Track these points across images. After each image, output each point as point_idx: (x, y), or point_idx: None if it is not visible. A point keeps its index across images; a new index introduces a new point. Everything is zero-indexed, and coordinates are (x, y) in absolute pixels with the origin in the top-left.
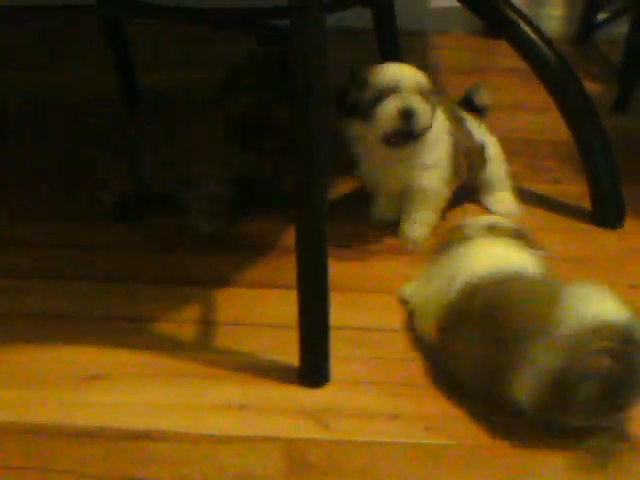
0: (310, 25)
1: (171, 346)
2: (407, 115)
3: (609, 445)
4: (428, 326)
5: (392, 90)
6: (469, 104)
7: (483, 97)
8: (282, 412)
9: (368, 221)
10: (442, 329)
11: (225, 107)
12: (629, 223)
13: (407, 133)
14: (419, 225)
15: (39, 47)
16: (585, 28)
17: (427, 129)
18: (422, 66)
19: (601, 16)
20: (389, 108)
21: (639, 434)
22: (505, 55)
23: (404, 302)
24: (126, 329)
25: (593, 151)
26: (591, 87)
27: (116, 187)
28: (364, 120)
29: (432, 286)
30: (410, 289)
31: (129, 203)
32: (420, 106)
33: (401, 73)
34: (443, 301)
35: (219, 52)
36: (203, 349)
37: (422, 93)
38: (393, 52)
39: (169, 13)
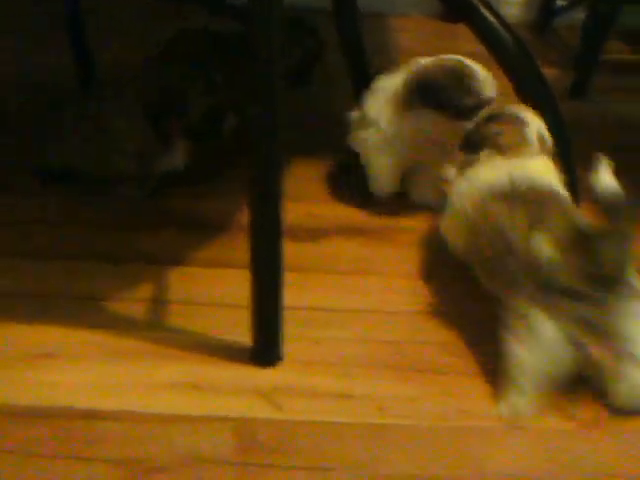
0: (268, 5)
1: (123, 325)
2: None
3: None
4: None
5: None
6: None
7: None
8: (233, 391)
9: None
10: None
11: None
12: (583, 209)
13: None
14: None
15: None
16: (544, 14)
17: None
18: (382, 49)
19: (560, 2)
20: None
21: (585, 415)
22: (464, 39)
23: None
24: (77, 307)
25: (550, 136)
26: (549, 72)
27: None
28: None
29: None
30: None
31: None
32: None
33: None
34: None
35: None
36: (155, 328)
37: None
38: (352, 34)
39: None
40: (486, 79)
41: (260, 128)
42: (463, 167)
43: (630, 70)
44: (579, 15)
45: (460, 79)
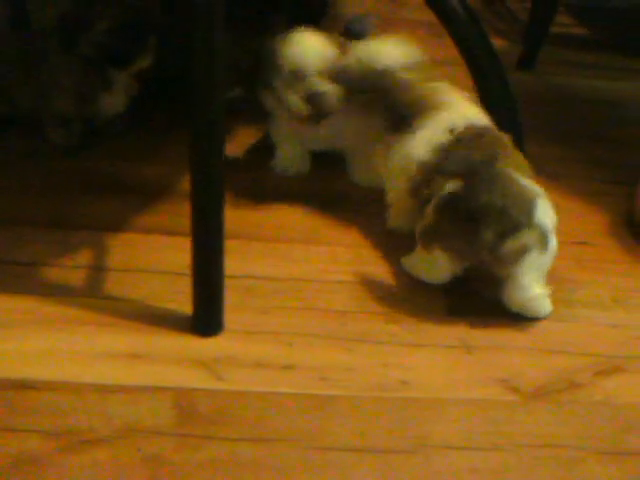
0: None
1: (59, 292)
2: (313, 100)
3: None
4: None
5: (297, 76)
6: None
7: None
8: (173, 361)
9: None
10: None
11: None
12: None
13: (316, 115)
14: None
15: None
16: None
17: (335, 109)
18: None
19: None
20: (294, 99)
21: (527, 386)
22: (413, 7)
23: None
24: (9, 274)
25: (498, 106)
26: (498, 44)
27: None
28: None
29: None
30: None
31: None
32: (325, 88)
33: (310, 51)
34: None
35: None
36: (92, 295)
37: (329, 72)
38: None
39: None
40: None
41: (199, 86)
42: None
43: (576, 44)
44: None
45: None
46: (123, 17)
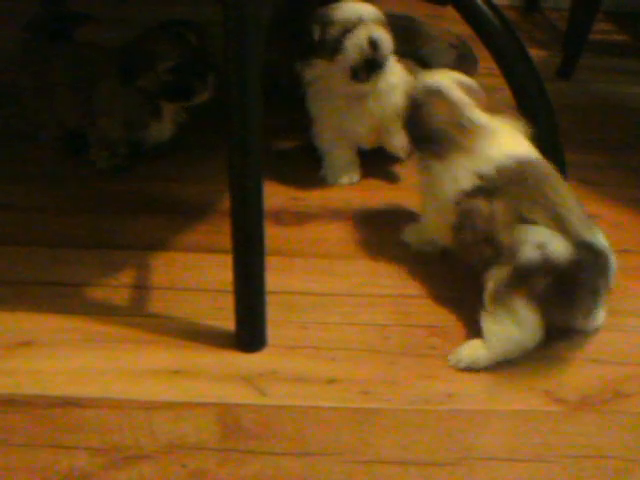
0: None
1: (103, 311)
2: (374, 43)
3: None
4: (447, 209)
5: (356, 23)
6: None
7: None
8: (217, 377)
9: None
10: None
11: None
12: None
13: (373, 62)
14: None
15: None
16: None
17: (389, 57)
18: None
19: None
20: (359, 38)
21: (571, 396)
22: (453, 21)
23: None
24: (56, 294)
25: (536, 116)
26: (537, 54)
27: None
28: (331, 56)
29: (449, 178)
30: (414, 234)
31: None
32: (384, 35)
33: (362, 8)
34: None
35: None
36: (136, 314)
37: (383, 25)
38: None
39: None
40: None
41: (236, 106)
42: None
43: (616, 51)
44: None
45: (317, 15)
46: (186, 56)
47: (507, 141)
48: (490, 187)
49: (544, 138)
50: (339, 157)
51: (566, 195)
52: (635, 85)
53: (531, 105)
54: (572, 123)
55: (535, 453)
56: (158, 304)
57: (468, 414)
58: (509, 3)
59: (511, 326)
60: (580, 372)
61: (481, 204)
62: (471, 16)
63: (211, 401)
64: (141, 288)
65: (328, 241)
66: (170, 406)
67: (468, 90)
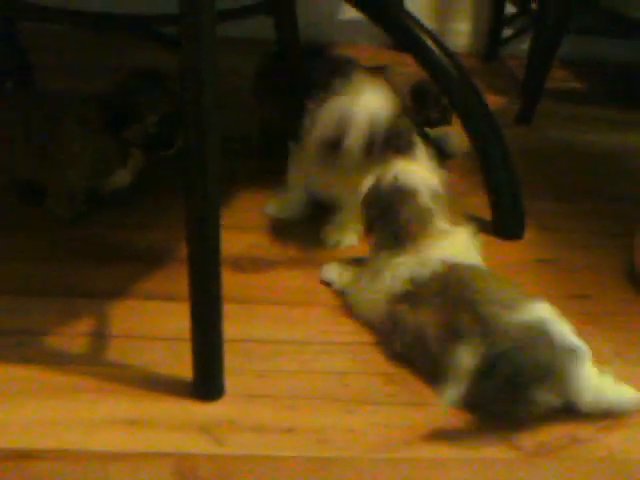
0: (201, 32)
1: (59, 360)
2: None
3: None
4: (379, 307)
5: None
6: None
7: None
8: (174, 427)
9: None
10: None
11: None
12: (529, 234)
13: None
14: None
15: None
16: (492, 44)
17: None
18: None
19: (507, 33)
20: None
21: (528, 443)
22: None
23: (329, 283)
24: (12, 343)
25: (493, 163)
26: (497, 100)
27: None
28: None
29: (389, 274)
30: (336, 271)
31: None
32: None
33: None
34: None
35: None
36: (93, 363)
37: None
38: (295, 62)
39: (58, 16)
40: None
41: (193, 155)
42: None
43: (573, 98)
44: (524, 45)
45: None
46: (170, 106)
47: (448, 247)
48: (417, 296)
49: (501, 184)
50: (293, 195)
51: (491, 291)
52: (591, 132)
53: (488, 150)
54: (530, 169)
55: None
56: (116, 353)
57: (426, 462)
58: (469, 51)
59: None
60: (537, 419)
61: (407, 314)
62: (428, 65)
63: (168, 451)
64: (99, 337)
65: (287, 288)
66: (127, 457)
67: (434, 194)
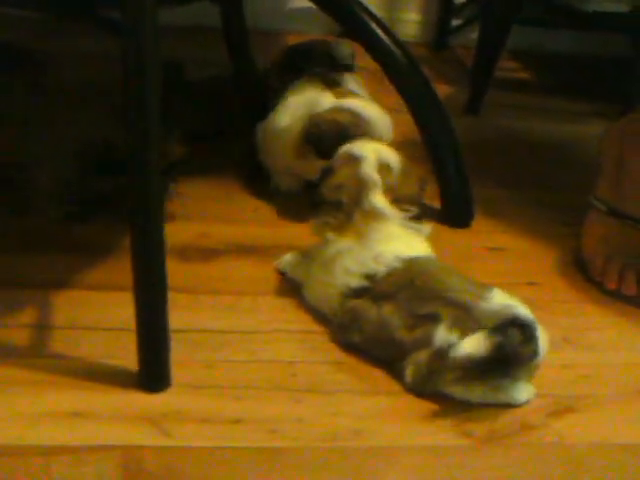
0: (142, 16)
1: (0, 352)
2: None
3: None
4: (333, 299)
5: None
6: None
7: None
8: (119, 419)
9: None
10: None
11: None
12: (477, 223)
13: None
14: None
15: None
16: (441, 33)
17: None
18: None
19: (456, 22)
20: None
21: (479, 430)
22: (361, 57)
23: (282, 273)
24: None
25: (442, 152)
26: (446, 90)
27: None
28: None
29: (340, 266)
30: (291, 263)
31: None
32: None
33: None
34: (355, 279)
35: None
36: (35, 355)
37: None
38: (242, 51)
39: None
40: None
41: (135, 144)
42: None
43: (521, 88)
44: (473, 35)
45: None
46: None
47: (398, 241)
48: (378, 292)
49: (450, 172)
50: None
51: (454, 281)
52: (539, 122)
53: (437, 139)
54: (479, 158)
55: None
56: (59, 344)
57: (376, 451)
58: (418, 40)
59: None
60: (487, 405)
61: (368, 309)
62: (377, 53)
63: (113, 444)
64: (40, 328)
65: (234, 278)
66: (70, 450)
67: (387, 171)
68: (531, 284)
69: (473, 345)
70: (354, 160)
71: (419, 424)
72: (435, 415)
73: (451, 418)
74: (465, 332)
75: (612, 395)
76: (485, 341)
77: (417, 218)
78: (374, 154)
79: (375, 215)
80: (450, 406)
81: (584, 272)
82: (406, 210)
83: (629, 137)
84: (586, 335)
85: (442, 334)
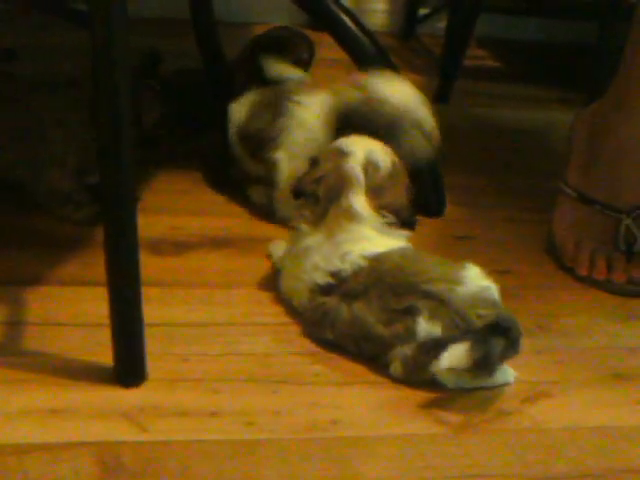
0: (111, 8)
1: None
2: None
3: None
4: (302, 294)
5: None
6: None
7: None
8: (95, 415)
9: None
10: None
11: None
12: (449, 211)
13: None
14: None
15: None
16: (408, 22)
17: None
18: None
19: (423, 11)
20: None
21: (454, 418)
22: (329, 47)
23: (270, 257)
24: None
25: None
26: (415, 78)
27: None
28: None
29: (313, 259)
30: (278, 250)
31: None
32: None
33: None
34: (322, 276)
35: None
36: (7, 352)
37: None
38: (210, 43)
39: None
40: None
41: (106, 138)
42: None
43: (489, 76)
44: (441, 24)
45: None
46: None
47: (369, 243)
48: (346, 290)
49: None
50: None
51: (428, 270)
52: (507, 109)
53: None
54: (450, 146)
55: (421, 476)
56: (32, 341)
57: (353, 441)
58: (386, 30)
59: None
60: (462, 393)
61: (339, 306)
62: (345, 42)
63: (89, 440)
64: (13, 325)
65: (208, 271)
66: (45, 448)
67: (374, 171)
68: (503, 272)
69: (456, 357)
70: (341, 154)
71: (395, 413)
72: (411, 404)
73: (427, 407)
74: (446, 324)
75: (585, 380)
76: (468, 353)
77: (397, 225)
78: (363, 152)
79: (350, 215)
80: (425, 395)
81: (555, 259)
82: (385, 217)
83: (598, 123)
84: (559, 321)
85: (424, 327)
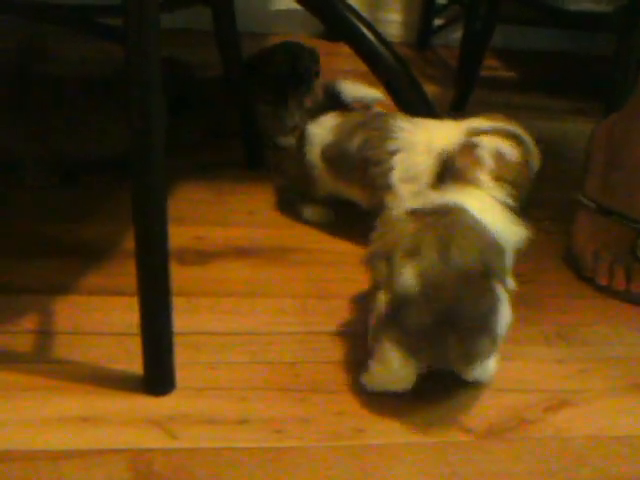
0: (145, 24)
1: (3, 359)
2: None
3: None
4: None
5: None
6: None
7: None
8: (126, 422)
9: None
10: None
11: None
12: None
13: None
14: None
15: None
16: (423, 33)
17: None
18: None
19: (438, 22)
20: None
21: (479, 426)
22: (346, 57)
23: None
24: None
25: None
26: (430, 89)
27: None
28: None
29: None
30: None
31: None
32: None
33: None
34: None
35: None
36: (40, 360)
37: None
38: (233, 54)
39: None
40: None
41: (139, 147)
42: None
43: (504, 86)
44: (456, 35)
45: None
46: None
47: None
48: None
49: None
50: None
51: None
52: (526, 120)
53: None
54: None
55: None
56: (62, 350)
57: (379, 449)
58: (401, 40)
59: (377, 364)
60: (486, 402)
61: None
62: (364, 53)
63: (121, 447)
64: (44, 333)
65: (233, 280)
66: (79, 454)
67: (502, 161)
68: (523, 281)
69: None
70: (472, 146)
71: (421, 422)
72: (436, 413)
73: (451, 415)
74: None
75: (607, 389)
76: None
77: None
78: (493, 143)
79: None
80: (450, 404)
81: (575, 269)
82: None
83: (617, 135)
84: (579, 330)
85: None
